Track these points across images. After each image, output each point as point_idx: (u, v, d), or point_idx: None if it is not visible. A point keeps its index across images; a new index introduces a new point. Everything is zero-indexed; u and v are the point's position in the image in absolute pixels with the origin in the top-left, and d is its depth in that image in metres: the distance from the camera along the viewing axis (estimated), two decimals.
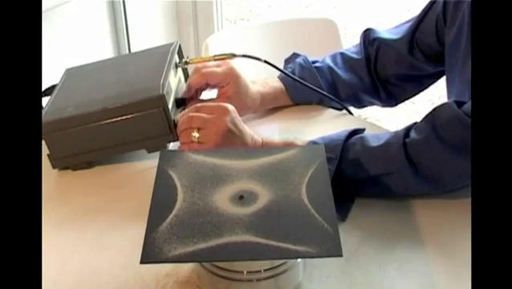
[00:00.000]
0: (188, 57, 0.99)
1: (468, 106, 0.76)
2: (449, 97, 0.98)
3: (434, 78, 1.06)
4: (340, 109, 1.06)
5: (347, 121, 1.03)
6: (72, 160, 0.90)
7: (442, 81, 1.03)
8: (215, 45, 1.48)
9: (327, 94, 1.02)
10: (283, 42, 1.53)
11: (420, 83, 1.07)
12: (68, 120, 0.86)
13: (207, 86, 0.97)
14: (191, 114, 0.84)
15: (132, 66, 0.98)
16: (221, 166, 0.69)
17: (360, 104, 1.10)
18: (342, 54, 1.08)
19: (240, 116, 0.85)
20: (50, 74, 0.99)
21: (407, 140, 0.78)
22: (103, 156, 0.90)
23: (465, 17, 0.89)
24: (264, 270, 0.63)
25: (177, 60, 0.98)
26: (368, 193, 0.81)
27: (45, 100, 0.92)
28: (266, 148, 0.84)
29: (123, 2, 1.98)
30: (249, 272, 0.63)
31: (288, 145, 0.84)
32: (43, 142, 0.87)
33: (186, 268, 0.69)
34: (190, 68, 1.00)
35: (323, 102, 1.07)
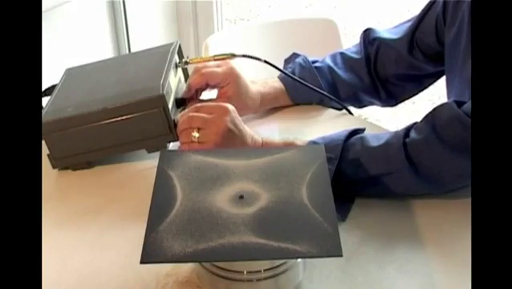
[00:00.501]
0: (188, 57, 0.99)
1: (468, 106, 0.76)
2: (448, 97, 0.98)
3: (434, 78, 1.06)
4: (340, 109, 1.06)
5: (347, 121, 1.03)
6: (72, 160, 0.90)
7: (442, 81, 1.03)
8: (215, 45, 1.48)
9: (327, 94, 1.02)
10: (283, 42, 1.53)
11: (420, 82, 1.07)
12: (68, 120, 0.86)
13: (207, 86, 0.97)
14: (191, 114, 0.84)
15: (132, 66, 0.98)
16: (221, 166, 0.69)
17: (360, 104, 1.10)
18: (342, 54, 1.08)
19: (240, 116, 0.85)
20: (50, 74, 0.99)
21: (407, 140, 0.78)
22: (103, 156, 0.90)
23: (465, 17, 0.89)
24: (264, 270, 0.63)
25: (177, 60, 0.98)
26: (368, 193, 0.81)
27: (45, 100, 0.92)
28: (266, 148, 0.84)
29: (123, 2, 1.98)
30: (249, 272, 0.63)
31: (288, 145, 0.84)
32: (43, 142, 0.87)
33: (186, 268, 0.69)
34: (190, 68, 1.00)
35: (323, 102, 1.07)
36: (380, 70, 1.06)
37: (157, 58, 0.95)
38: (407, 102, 1.12)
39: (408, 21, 1.05)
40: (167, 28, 2.30)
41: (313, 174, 0.67)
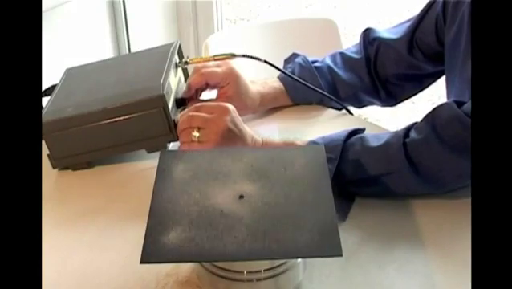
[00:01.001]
0: (188, 57, 0.99)
1: (468, 106, 0.76)
2: (448, 97, 0.98)
3: (434, 77, 1.06)
4: (340, 109, 1.06)
5: (347, 121, 1.03)
6: (72, 160, 0.90)
7: (442, 81, 1.03)
8: (215, 45, 1.48)
9: (327, 94, 1.02)
10: (283, 42, 1.53)
11: (420, 82, 1.07)
12: (68, 120, 0.86)
13: (207, 86, 0.97)
14: (191, 113, 0.84)
15: (132, 66, 0.98)
16: (221, 166, 0.69)
17: (360, 104, 1.10)
18: (341, 53, 1.08)
19: (239, 116, 0.85)
20: (50, 74, 0.99)
21: (407, 140, 0.78)
22: (103, 156, 0.90)
23: (465, 17, 0.89)
24: (264, 270, 0.63)
25: (177, 60, 0.98)
26: (368, 193, 0.81)
27: (45, 100, 0.92)
28: (266, 148, 0.84)
29: (123, 2, 1.98)
30: (249, 272, 0.63)
31: (288, 145, 0.84)
32: (43, 142, 0.87)
33: (186, 268, 0.69)
34: (190, 68, 1.00)
35: (322, 102, 1.06)
36: (380, 70, 1.06)
37: (157, 58, 0.95)
38: (407, 102, 1.12)
39: (408, 21, 1.05)
40: (167, 28, 2.30)
41: (313, 174, 0.67)
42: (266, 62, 0.98)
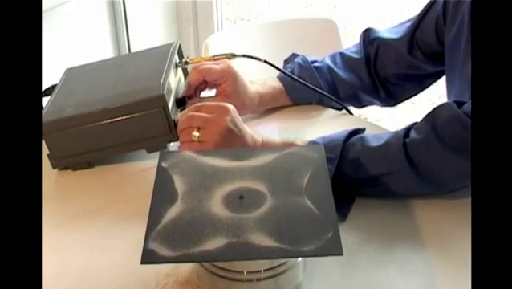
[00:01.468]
0: (188, 57, 0.99)
1: (468, 106, 0.76)
2: (448, 97, 0.98)
3: (434, 77, 1.06)
4: (340, 109, 1.06)
5: (347, 121, 1.03)
6: (72, 160, 0.90)
7: (442, 81, 1.03)
8: (215, 45, 1.48)
9: (327, 94, 1.02)
10: (283, 42, 1.53)
11: (420, 82, 1.07)
12: (68, 120, 0.86)
13: (206, 84, 0.97)
14: (191, 113, 0.84)
15: (132, 66, 0.98)
16: (221, 166, 0.69)
17: (360, 104, 1.10)
18: (341, 53, 1.08)
19: (239, 115, 0.85)
20: (50, 74, 0.99)
21: (407, 140, 0.78)
22: (103, 156, 0.90)
23: (465, 17, 0.89)
24: (264, 270, 0.63)
25: (177, 60, 0.98)
26: (368, 193, 0.81)
27: (45, 100, 0.92)
28: (266, 148, 0.84)
29: (123, 2, 1.98)
30: (249, 272, 0.63)
31: (288, 145, 0.84)
32: (43, 142, 0.87)
33: (186, 268, 0.69)
34: (190, 68, 1.00)
35: (322, 102, 1.06)
36: (380, 69, 1.06)
37: (157, 58, 0.95)
38: (407, 102, 1.12)
39: (408, 21, 1.05)
40: (167, 28, 2.30)
41: (313, 174, 0.67)
42: (266, 62, 0.98)
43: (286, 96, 1.05)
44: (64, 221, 0.80)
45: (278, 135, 0.97)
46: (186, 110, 0.87)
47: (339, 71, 1.06)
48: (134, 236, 0.66)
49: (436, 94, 2.46)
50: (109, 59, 1.07)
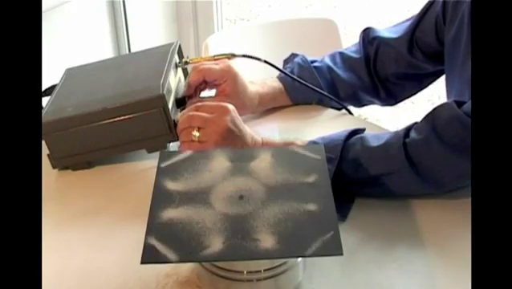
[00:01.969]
0: (188, 57, 0.99)
1: (468, 106, 0.76)
2: (448, 97, 0.98)
3: (434, 77, 1.06)
4: (340, 109, 1.06)
5: (347, 121, 1.03)
6: (72, 160, 0.90)
7: (442, 81, 1.03)
8: (215, 45, 1.48)
9: (327, 94, 1.02)
10: (283, 42, 1.53)
11: (420, 82, 1.07)
12: (68, 120, 0.86)
13: (206, 84, 0.97)
14: (191, 113, 0.84)
15: (132, 66, 0.98)
16: (221, 166, 0.69)
17: (360, 103, 1.10)
18: (341, 53, 1.08)
19: (238, 115, 0.85)
20: (50, 74, 0.99)
21: (407, 140, 0.78)
22: (103, 156, 0.90)
23: (465, 16, 0.89)
24: (264, 270, 0.63)
25: (177, 60, 0.98)
26: (368, 193, 0.81)
27: (45, 100, 0.92)
28: (266, 148, 0.84)
29: (123, 2, 1.98)
30: (249, 272, 0.63)
31: (288, 145, 0.84)
32: (43, 142, 0.87)
33: (186, 268, 0.69)
34: (190, 68, 1.00)
35: (322, 102, 1.06)
36: (380, 69, 1.06)
37: (157, 58, 0.95)
38: (407, 102, 1.12)
39: (408, 20, 1.05)
40: (167, 28, 2.30)
41: (313, 174, 0.67)
42: (266, 62, 0.98)
43: (285, 96, 1.05)
44: (64, 221, 0.80)
45: (278, 135, 0.97)
46: (186, 110, 0.87)
47: (339, 71, 1.06)
48: (134, 236, 0.66)
49: (436, 94, 2.46)
50: (109, 59, 1.07)
